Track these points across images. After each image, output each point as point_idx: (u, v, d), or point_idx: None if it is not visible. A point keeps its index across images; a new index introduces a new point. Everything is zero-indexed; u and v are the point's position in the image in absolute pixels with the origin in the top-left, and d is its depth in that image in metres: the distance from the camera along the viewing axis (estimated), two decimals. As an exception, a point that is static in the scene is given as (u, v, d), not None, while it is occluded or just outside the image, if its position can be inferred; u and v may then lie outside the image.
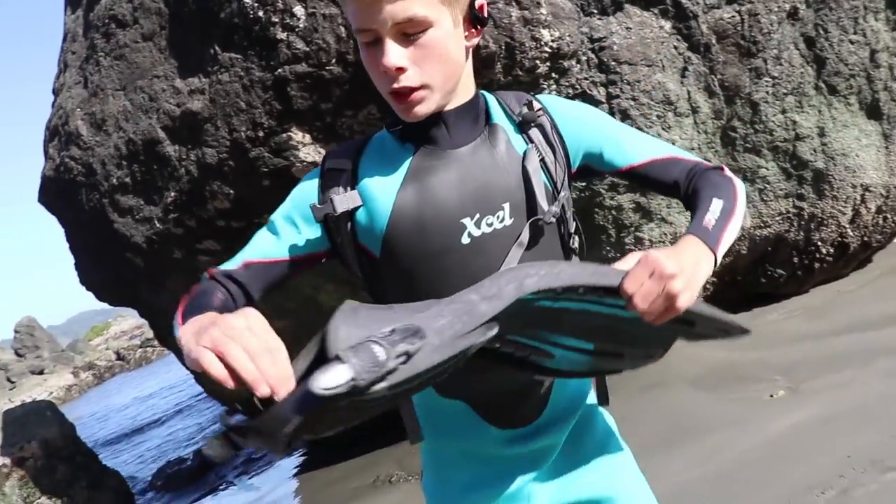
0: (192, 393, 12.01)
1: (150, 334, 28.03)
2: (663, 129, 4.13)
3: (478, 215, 1.16)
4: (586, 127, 1.27)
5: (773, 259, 4.98)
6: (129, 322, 42.40)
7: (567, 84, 3.85)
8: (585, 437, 1.33)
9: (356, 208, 1.18)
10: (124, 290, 5.64)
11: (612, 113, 3.98)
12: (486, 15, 1.18)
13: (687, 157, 1.29)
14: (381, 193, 1.18)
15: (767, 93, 4.41)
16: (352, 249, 1.22)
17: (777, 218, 4.72)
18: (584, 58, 3.87)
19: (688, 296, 0.98)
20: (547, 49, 3.67)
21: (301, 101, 3.88)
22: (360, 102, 3.89)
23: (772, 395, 3.59)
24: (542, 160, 1.21)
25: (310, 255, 1.24)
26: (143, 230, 4.63)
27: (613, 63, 3.92)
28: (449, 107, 1.18)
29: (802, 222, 4.78)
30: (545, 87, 3.81)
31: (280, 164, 4.08)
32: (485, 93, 1.28)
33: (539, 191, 1.18)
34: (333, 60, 3.74)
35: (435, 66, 1.10)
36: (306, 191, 1.24)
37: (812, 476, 2.64)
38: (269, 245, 1.23)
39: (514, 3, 3.57)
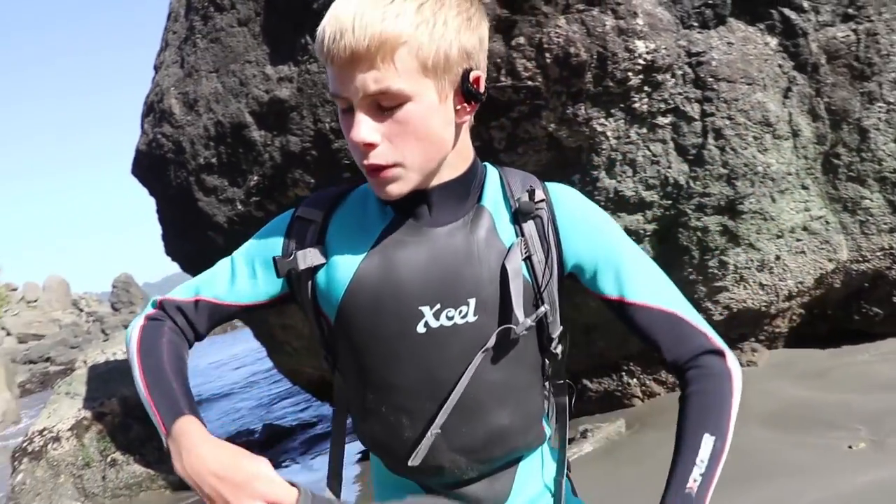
0: (264, 367, 12.28)
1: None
2: (759, 150, 3.91)
3: (438, 305, 1.05)
4: (588, 235, 1.11)
5: (870, 296, 4.67)
6: (220, 286, 44.01)
7: (659, 98, 3.70)
8: None
9: (319, 266, 1.10)
10: (206, 265, 5.78)
11: (704, 132, 3.80)
12: (482, 90, 1.02)
13: (691, 319, 1.11)
14: (345, 259, 1.09)
15: (880, 119, 4.11)
16: (311, 308, 1.13)
17: (878, 253, 4.42)
18: (679, 72, 3.70)
19: None
20: (640, 61, 3.52)
21: (386, 97, 3.87)
22: (445, 102, 3.83)
23: (851, 446, 3.36)
24: (528, 258, 1.07)
25: (263, 302, 1.18)
26: (225, 210, 4.73)
27: (711, 79, 3.73)
28: (433, 183, 1.06)
29: (905, 260, 4.47)
30: (636, 99, 3.67)
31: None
32: (489, 166, 1.16)
33: (516, 295, 1.05)
34: (421, 58, 3.70)
35: (411, 144, 0.98)
36: (271, 238, 1.17)
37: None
38: (223, 287, 1.16)
39: (609, 12, 3.45)
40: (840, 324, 4.82)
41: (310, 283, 1.12)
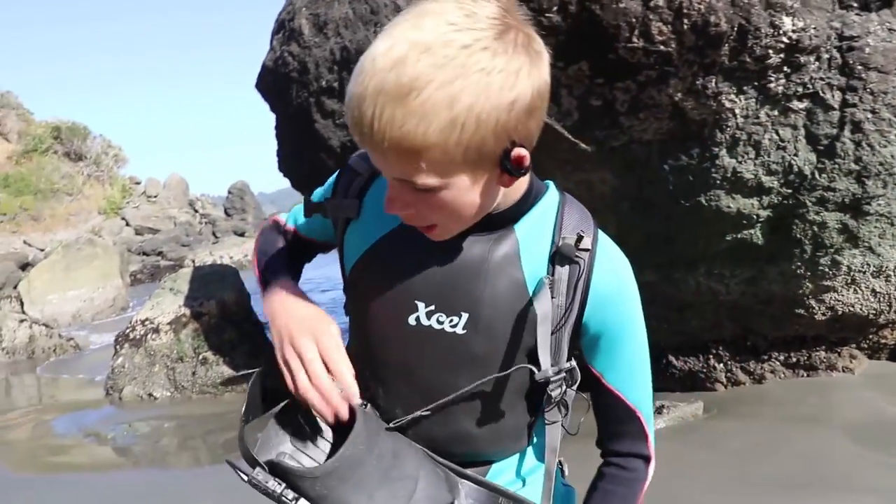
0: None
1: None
2: (898, 151, 3.67)
3: (433, 307, 1.04)
4: (611, 307, 1.07)
5: None
6: (328, 206, 45.17)
7: (798, 81, 3.51)
8: None
9: (349, 220, 1.13)
10: (315, 185, 5.96)
11: (842, 122, 3.59)
12: (524, 166, 0.91)
13: (645, 422, 1.13)
14: (372, 222, 1.10)
15: None
16: (340, 257, 1.18)
17: None
18: (825, 55, 3.49)
19: None
20: (785, 39, 3.34)
21: (513, 43, 3.82)
22: (573, 56, 3.76)
23: (938, 474, 3.21)
24: (541, 312, 1.02)
25: (330, 242, 1.26)
26: (340, 135, 4.83)
27: (860, 67, 3.51)
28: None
29: None
30: (772, 79, 3.49)
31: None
32: (552, 189, 1.10)
33: (542, 340, 1.02)
34: (555, 8, 3.63)
35: (446, 217, 0.96)
36: (327, 186, 1.24)
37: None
38: (306, 223, 1.28)
39: (759, -17, 3.27)
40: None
41: (343, 231, 1.15)
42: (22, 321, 12.53)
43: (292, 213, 1.31)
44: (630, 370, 1.11)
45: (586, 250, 1.04)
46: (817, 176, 3.75)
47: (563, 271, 1.03)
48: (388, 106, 0.80)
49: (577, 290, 1.04)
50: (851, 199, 3.78)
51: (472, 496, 1.08)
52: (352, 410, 1.01)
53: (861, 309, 4.17)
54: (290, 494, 0.97)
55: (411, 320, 1.06)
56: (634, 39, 3.51)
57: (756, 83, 3.52)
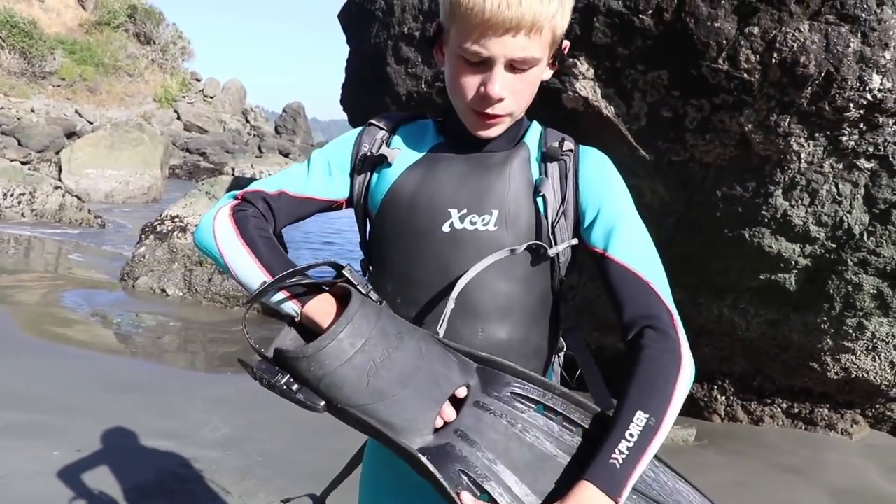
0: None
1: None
2: (952, 234, 3.63)
3: (465, 210, 1.21)
4: (600, 189, 1.24)
5: None
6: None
7: (871, 140, 3.46)
8: None
9: (382, 160, 1.26)
10: (371, 127, 6.00)
11: (900, 190, 3.55)
12: (566, 53, 1.21)
13: (662, 296, 1.16)
14: (399, 162, 1.26)
15: None
16: (361, 204, 1.30)
17: None
18: (905, 122, 3.44)
19: None
20: (868, 96, 3.30)
21: (601, 36, 3.79)
22: (656, 63, 3.74)
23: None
24: (543, 196, 1.22)
25: (334, 200, 1.32)
26: (409, 84, 4.84)
27: (936, 142, 3.46)
28: None
29: None
30: (846, 132, 3.45)
31: (554, 84, 4.05)
32: (536, 122, 1.32)
33: (544, 222, 1.22)
34: (650, 12, 3.60)
35: (526, 98, 1.18)
36: (345, 142, 1.33)
37: None
38: (300, 181, 1.30)
39: (858, 34, 3.22)
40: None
41: (367, 177, 1.28)
42: (56, 188, 12.76)
43: (269, 180, 1.32)
44: (632, 241, 1.20)
45: (569, 150, 1.25)
46: (865, 238, 3.72)
47: (553, 169, 1.24)
48: None
49: (568, 181, 1.23)
50: (894, 268, 3.75)
51: (488, 379, 1.11)
52: (347, 293, 1.09)
53: (875, 377, 4.15)
54: (295, 386, 1.02)
55: (445, 227, 1.21)
56: (720, 61, 3.47)
57: (829, 132, 3.48)
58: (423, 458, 1.00)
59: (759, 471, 4.00)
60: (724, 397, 4.84)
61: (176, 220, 7.92)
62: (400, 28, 4.79)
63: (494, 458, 1.02)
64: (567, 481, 1.02)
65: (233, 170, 22.60)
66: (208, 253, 1.22)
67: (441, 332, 1.15)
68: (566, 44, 1.18)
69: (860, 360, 4.13)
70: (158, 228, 7.92)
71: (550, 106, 4.07)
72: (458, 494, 0.98)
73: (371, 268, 1.34)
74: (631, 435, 1.01)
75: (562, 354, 1.36)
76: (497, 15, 1.06)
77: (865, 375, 4.17)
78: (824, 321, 4.07)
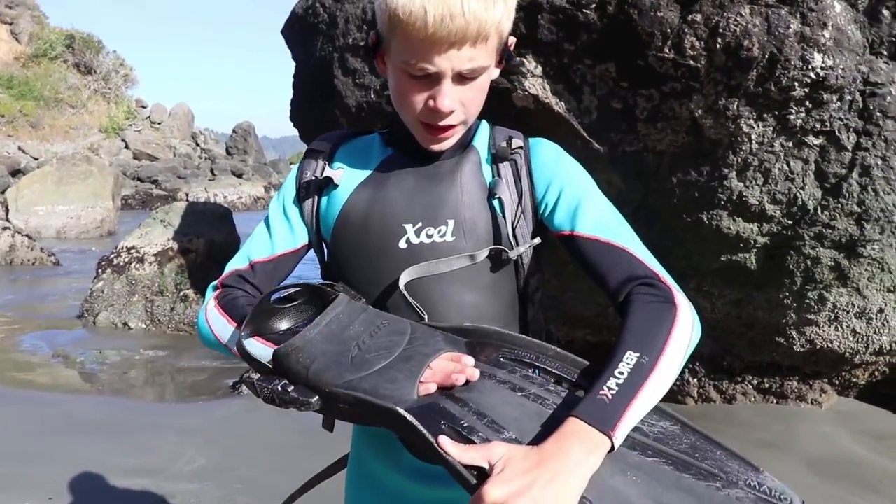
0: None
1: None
2: (902, 201, 3.72)
3: (420, 224, 1.18)
4: (555, 175, 1.22)
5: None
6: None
7: (817, 117, 3.54)
8: None
9: (328, 182, 1.24)
10: (324, 141, 5.96)
11: (852, 164, 3.63)
12: (512, 50, 1.18)
13: (642, 258, 1.13)
14: (345, 182, 1.24)
15: None
16: (314, 231, 1.27)
17: None
18: (848, 97, 3.52)
19: None
20: (812, 75, 3.37)
21: (547, 33, 3.82)
22: (603, 56, 3.77)
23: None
24: (499, 197, 1.20)
25: (304, 245, 1.30)
26: (358, 95, 4.82)
27: (879, 114, 3.54)
28: None
29: None
30: (793, 111, 3.52)
31: (503, 84, 4.06)
32: (484, 122, 1.30)
33: (503, 224, 1.19)
34: (593, 5, 3.63)
35: (477, 105, 1.16)
36: (288, 182, 1.31)
37: None
38: (265, 243, 1.28)
39: (798, 15, 3.28)
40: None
41: (315, 202, 1.25)
42: (5, 228, 12.46)
43: (239, 255, 1.30)
44: (597, 213, 1.18)
45: (519, 148, 1.23)
46: (819, 212, 3.80)
47: (505, 169, 1.22)
48: (473, 0, 1.02)
49: (522, 178, 1.21)
50: (848, 239, 3.83)
51: (476, 348, 1.10)
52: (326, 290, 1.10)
53: (839, 346, 4.24)
54: (290, 387, 1.03)
55: (402, 244, 1.18)
56: (666, 50, 3.52)
57: (776, 112, 3.55)
58: (400, 410, 0.96)
59: (735, 448, 4.05)
60: (695, 379, 4.90)
61: (132, 251, 7.77)
62: (345, 39, 4.77)
63: (483, 414, 0.98)
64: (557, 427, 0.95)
65: (186, 195, 22.33)
66: (216, 349, 1.22)
67: (425, 318, 1.15)
68: (512, 41, 1.16)
69: (824, 331, 4.21)
70: (115, 261, 7.76)
71: (501, 105, 4.08)
72: (435, 440, 0.93)
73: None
74: (620, 373, 0.95)
75: None
76: (441, 29, 1.02)
77: (830, 345, 4.25)
78: (786, 296, 4.15)
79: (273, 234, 1.28)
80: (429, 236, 1.18)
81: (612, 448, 0.90)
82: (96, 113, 32.28)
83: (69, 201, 16.74)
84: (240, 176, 29.25)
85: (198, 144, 34.76)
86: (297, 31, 5.38)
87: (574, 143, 3.97)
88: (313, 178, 1.25)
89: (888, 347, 4.19)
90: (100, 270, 7.85)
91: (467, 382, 1.02)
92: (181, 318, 7.28)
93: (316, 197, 1.26)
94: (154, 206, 22.08)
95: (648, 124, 3.84)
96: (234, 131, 35.02)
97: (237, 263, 1.28)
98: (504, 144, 1.23)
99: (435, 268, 1.16)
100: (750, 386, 4.80)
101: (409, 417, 0.95)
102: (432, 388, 1.01)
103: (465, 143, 1.24)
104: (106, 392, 5.63)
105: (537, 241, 1.21)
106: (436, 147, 1.18)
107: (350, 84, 4.86)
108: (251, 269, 1.27)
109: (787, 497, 0.93)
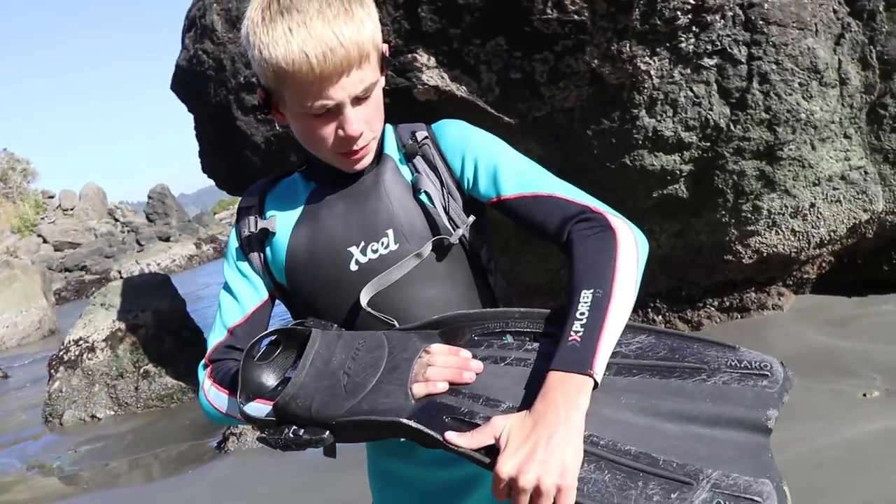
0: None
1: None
2: (804, 97, 3.86)
3: (363, 243, 1.23)
4: (466, 151, 1.26)
5: (902, 248, 4.66)
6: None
7: (707, 40, 3.65)
8: None
9: (265, 233, 1.28)
10: (241, 183, 5.89)
11: (749, 76, 3.75)
12: (389, 56, 1.22)
13: (569, 196, 1.19)
14: (281, 228, 1.28)
15: (932, 71, 4.03)
16: (270, 281, 1.30)
17: (915, 206, 4.39)
18: (729, 13, 3.63)
19: (549, 482, 0.89)
20: (691, 1, 3.46)
21: (430, 24, 3.85)
22: (489, 32, 3.82)
23: (865, 395, 3.43)
24: (426, 191, 1.23)
25: (269, 295, 1.33)
26: (263, 130, 4.79)
27: (761, 22, 3.66)
28: None
29: (943, 214, 4.43)
30: (682, 40, 3.62)
31: (402, 84, 4.08)
32: (388, 126, 1.31)
33: (441, 211, 1.23)
34: (467, -14, 3.67)
35: (379, 117, 1.20)
36: (232, 242, 1.35)
37: (883, 495, 2.52)
38: (235, 306, 1.31)
39: (662, -53, 3.38)
40: (868, 273, 4.82)
41: (262, 256, 1.29)
42: (-56, 354, 11.97)
43: (215, 328, 1.33)
44: (514, 172, 1.23)
45: (425, 139, 1.27)
46: (732, 127, 3.91)
47: (420, 163, 1.26)
48: (342, 25, 1.06)
49: (437, 165, 1.26)
50: (765, 146, 3.96)
51: (450, 335, 1.14)
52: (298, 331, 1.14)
53: (784, 248, 4.38)
54: (301, 430, 1.07)
55: (352, 266, 1.23)
56: (548, 11, 3.58)
57: (668, 44, 3.64)
58: (404, 420, 1.01)
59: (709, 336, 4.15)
60: (659, 316, 5.00)
61: (80, 342, 7.55)
62: (236, 80, 4.73)
63: (477, 395, 1.04)
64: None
65: (119, 273, 21.78)
66: (226, 422, 1.26)
67: (395, 324, 1.18)
68: (384, 47, 1.19)
69: (766, 238, 4.34)
70: (66, 357, 7.54)
71: (405, 104, 4.10)
72: (443, 437, 0.98)
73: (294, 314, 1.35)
74: (581, 314, 1.00)
75: None
76: (327, 66, 1.06)
77: (775, 250, 4.39)
78: (723, 215, 4.27)
79: (238, 296, 1.31)
80: (374, 251, 1.22)
81: (596, 384, 0.95)
82: (4, 216, 31.26)
83: (0, 311, 16.17)
84: (167, 240, 28.66)
85: (117, 220, 33.93)
86: (187, 84, 5.31)
87: (485, 122, 4.01)
88: (250, 233, 1.29)
89: (828, 238, 4.35)
90: (53, 371, 7.61)
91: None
92: (148, 395, 7.13)
93: (259, 250, 1.30)
94: (89, 292, 21.48)
95: (550, 86, 3.91)
96: (149, 197, 34.26)
97: (217, 336, 1.31)
98: (410, 141, 1.27)
99: (388, 278, 1.19)
100: (712, 308, 4.92)
101: (414, 424, 1.00)
102: (443, 386, 1.05)
103: (378, 154, 1.27)
104: (92, 489, 5.47)
105: (472, 219, 1.25)
106: (358, 167, 1.22)
107: (252, 122, 4.82)
108: (231, 335, 1.30)
109: (767, 363, 1.02)
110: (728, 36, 3.66)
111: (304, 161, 1.31)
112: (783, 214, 4.25)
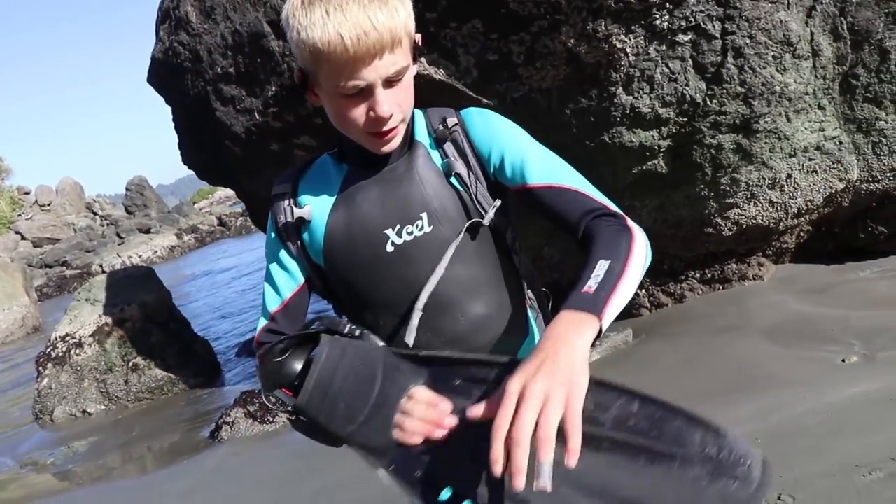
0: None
1: (250, 206, 29.12)
2: (778, 70, 3.92)
3: (398, 225, 1.30)
4: (495, 139, 1.34)
5: (877, 215, 4.75)
6: (231, 190, 44.18)
7: (680, 16, 3.68)
8: None
9: (301, 220, 1.36)
10: (223, 174, 5.88)
11: (724, 50, 3.80)
12: (421, 45, 1.29)
13: (593, 195, 1.28)
14: (318, 212, 1.35)
15: (901, 40, 4.09)
16: (306, 262, 1.38)
17: (888, 173, 4.47)
18: (702, -12, 3.67)
19: (573, 406, 0.92)
20: (663, -23, 3.49)
21: (405, 8, 3.85)
22: (465, 15, 3.83)
23: (844, 360, 3.51)
24: (457, 174, 1.32)
25: (307, 277, 1.42)
26: (243, 120, 4.78)
27: (733, -4, 3.71)
28: None
29: (916, 181, 4.51)
30: (657, 16, 3.66)
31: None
32: (417, 111, 1.39)
33: (467, 198, 1.32)
34: (441, -30, 3.68)
35: (409, 101, 1.26)
36: (269, 230, 1.43)
37: (864, 454, 2.60)
38: (275, 293, 1.42)
39: (633, -74, 3.40)
40: (845, 241, 4.92)
41: (298, 242, 1.37)
42: (-72, 355, 11.88)
43: (262, 313, 1.44)
44: (541, 163, 1.32)
45: (455, 125, 1.35)
46: (708, 102, 3.96)
47: (450, 148, 1.34)
48: (375, 11, 1.12)
49: (466, 151, 1.34)
50: (741, 119, 4.02)
51: (437, 375, 1.18)
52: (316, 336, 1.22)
53: (762, 220, 4.45)
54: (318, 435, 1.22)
55: (388, 248, 1.30)
56: (523, -8, 3.60)
57: (643, 21, 3.68)
58: (383, 471, 1.12)
59: (699, 342, 4.24)
60: (643, 290, 5.08)
61: (67, 338, 7.53)
62: (213, 70, 4.71)
63: (452, 452, 1.10)
64: None
65: (101, 267, 21.63)
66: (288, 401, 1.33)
67: (410, 340, 1.27)
68: (418, 36, 1.26)
69: (745, 209, 4.41)
70: (53, 354, 7.52)
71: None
72: (418, 495, 1.08)
73: (343, 310, 1.44)
74: (596, 275, 1.08)
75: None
76: (360, 47, 1.12)
77: (754, 221, 4.46)
78: (702, 188, 4.33)
79: (277, 284, 1.42)
80: (409, 233, 1.30)
81: (601, 331, 1.01)
82: (-19, 213, 30.89)
83: (-17, 310, 16.03)
84: (147, 231, 28.47)
85: (95, 213, 33.61)
86: (164, 76, 5.28)
87: (464, 105, 4.02)
88: (287, 222, 1.37)
89: (805, 207, 4.42)
90: (41, 368, 7.59)
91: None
92: (138, 388, 7.14)
93: (295, 237, 1.38)
94: (71, 287, 21.32)
95: (528, 67, 3.93)
96: (127, 189, 33.94)
97: (262, 320, 1.43)
98: (441, 127, 1.35)
99: (439, 275, 1.28)
100: (695, 280, 5.00)
101: (391, 477, 1.12)
102: (417, 440, 1.13)
103: (410, 140, 1.35)
104: (88, 485, 5.49)
105: (499, 202, 1.33)
106: (386, 148, 1.28)
107: (232, 112, 4.81)
108: (274, 321, 1.41)
109: (748, 459, 0.93)
110: (702, 11, 3.70)
111: (337, 144, 1.38)
112: (761, 186, 4.32)
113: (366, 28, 1.12)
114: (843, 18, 3.98)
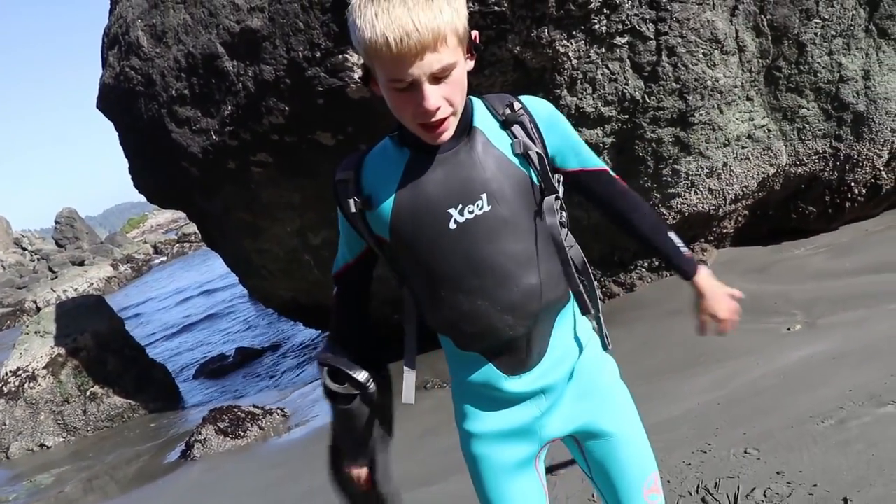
0: (236, 294, 12.35)
1: (188, 229, 28.56)
2: (708, 66, 4.21)
3: (460, 205, 1.41)
4: (557, 129, 1.52)
5: (806, 196, 5.09)
6: (164, 216, 43.22)
7: (617, 20, 3.94)
8: (588, 380, 1.58)
9: (365, 209, 1.49)
10: (177, 196, 5.92)
11: (658, 50, 4.08)
12: (479, 42, 1.39)
13: (617, 176, 1.62)
14: (384, 194, 1.47)
15: (816, 34, 4.44)
16: (372, 238, 1.52)
17: (813, 157, 4.82)
18: (635, -6, 3.94)
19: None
20: (600, -16, 3.74)
21: (357, 24, 4.01)
22: (414, 28, 4.01)
23: (789, 329, 3.81)
24: (527, 153, 1.44)
25: (367, 249, 1.59)
26: (199, 141, 4.85)
27: (665, 0, 3.99)
28: None
29: (838, 162, 4.87)
30: (595, 21, 3.91)
31: (335, 84, 4.24)
32: (473, 98, 1.49)
33: (531, 176, 1.47)
34: (390, -14, 3.85)
35: (460, 95, 1.35)
36: (339, 209, 1.56)
37: (815, 406, 2.87)
38: (345, 250, 1.63)
39: (570, -62, 3.64)
40: (779, 223, 5.26)
41: (364, 221, 1.49)
42: None
43: (338, 256, 1.65)
44: (588, 151, 1.58)
45: (521, 108, 1.48)
46: (647, 99, 4.24)
47: (518, 130, 1.46)
48: (420, 11, 1.23)
49: (532, 133, 1.47)
50: (678, 114, 4.30)
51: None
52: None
53: (703, 207, 4.74)
54: None
55: (452, 225, 1.42)
56: (470, 4, 3.80)
57: (582, 27, 3.92)
58: None
59: (653, 326, 4.48)
60: (596, 282, 5.30)
61: (19, 372, 7.40)
62: (167, 93, 4.78)
63: None
64: None
65: (35, 303, 21.02)
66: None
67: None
68: (475, 34, 1.36)
69: (686, 198, 4.69)
70: (6, 389, 7.38)
71: (341, 104, 4.27)
72: None
73: (405, 286, 1.57)
74: (680, 245, 1.63)
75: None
76: (403, 47, 1.23)
77: (695, 209, 4.75)
78: (646, 180, 4.59)
79: (347, 246, 1.61)
80: (470, 212, 1.41)
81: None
82: None
83: (-85, 354, 15.43)
84: (81, 264, 27.75)
85: (24, 249, 32.62)
86: (114, 101, 5.31)
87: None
88: (352, 211, 1.48)
89: (741, 193, 4.73)
90: (-9, 406, 7.44)
91: None
92: (98, 417, 7.07)
93: (361, 220, 1.50)
94: (4, 325, 20.70)
95: (477, 74, 4.13)
96: (57, 222, 33.00)
97: (337, 265, 1.67)
98: (509, 111, 1.46)
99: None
100: (643, 269, 5.26)
101: None
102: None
103: (468, 127, 1.44)
104: (55, 517, 5.45)
105: (560, 176, 1.51)
106: (437, 140, 1.38)
107: (187, 133, 4.89)
108: (346, 272, 1.65)
109: None
110: (636, 15, 3.97)
111: (398, 127, 1.47)
112: (700, 175, 4.60)
113: (408, 29, 1.22)
114: (763, 16, 4.31)
